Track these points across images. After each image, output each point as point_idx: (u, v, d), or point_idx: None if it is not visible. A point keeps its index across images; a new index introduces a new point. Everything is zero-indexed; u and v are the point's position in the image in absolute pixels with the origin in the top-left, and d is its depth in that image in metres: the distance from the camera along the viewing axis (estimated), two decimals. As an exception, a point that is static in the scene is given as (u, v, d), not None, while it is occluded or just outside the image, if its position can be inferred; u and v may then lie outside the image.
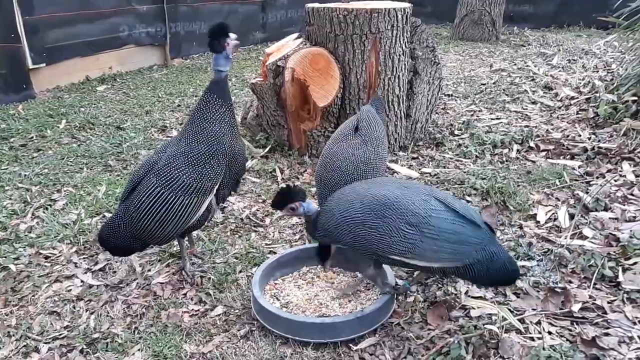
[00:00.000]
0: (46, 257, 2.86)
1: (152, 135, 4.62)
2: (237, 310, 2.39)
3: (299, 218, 2.33)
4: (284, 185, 2.23)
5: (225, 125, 2.38)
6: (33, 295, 2.56)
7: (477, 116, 4.69)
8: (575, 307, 2.23)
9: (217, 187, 2.39)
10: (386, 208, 2.04)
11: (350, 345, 2.15)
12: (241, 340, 2.21)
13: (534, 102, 4.93)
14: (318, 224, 2.23)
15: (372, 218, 2.05)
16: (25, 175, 3.82)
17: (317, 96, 3.67)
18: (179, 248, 2.68)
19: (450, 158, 3.83)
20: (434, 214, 2.02)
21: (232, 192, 2.62)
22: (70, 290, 2.59)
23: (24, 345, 2.24)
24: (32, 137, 4.60)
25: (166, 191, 2.28)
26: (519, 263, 2.58)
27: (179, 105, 5.48)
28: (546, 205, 3.08)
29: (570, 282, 2.42)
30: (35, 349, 2.23)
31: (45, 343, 2.25)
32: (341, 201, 2.17)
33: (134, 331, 2.30)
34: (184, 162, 2.31)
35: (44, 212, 3.28)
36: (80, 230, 3.06)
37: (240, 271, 2.67)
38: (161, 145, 2.50)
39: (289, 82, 3.62)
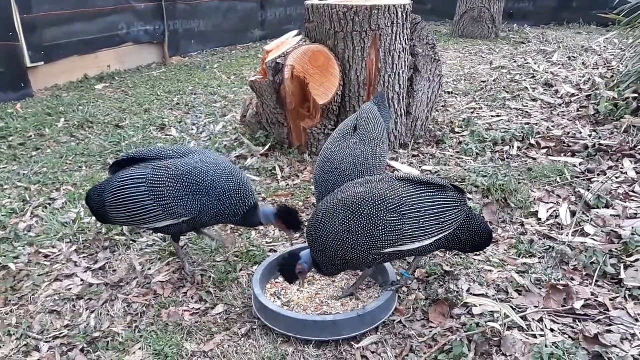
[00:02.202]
0: (46, 256, 2.85)
1: (151, 133, 4.60)
2: (238, 309, 2.38)
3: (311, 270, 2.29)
4: (279, 262, 2.23)
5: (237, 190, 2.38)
6: (33, 294, 2.55)
7: (478, 114, 4.67)
8: (578, 305, 2.22)
9: (184, 219, 2.36)
10: (362, 205, 2.04)
11: (352, 343, 2.14)
12: (242, 339, 2.20)
13: (535, 100, 4.92)
14: (317, 261, 2.19)
15: (354, 221, 2.04)
16: (24, 174, 3.81)
17: (317, 94, 3.65)
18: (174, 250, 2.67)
19: (451, 156, 3.82)
20: (405, 194, 2.06)
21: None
22: (71, 289, 2.58)
23: (25, 345, 2.23)
24: (31, 136, 4.58)
25: (146, 187, 2.29)
26: (521, 260, 2.59)
27: (177, 104, 5.47)
28: (547, 203, 3.07)
29: (572, 279, 2.42)
30: (35, 348, 2.22)
31: (46, 342, 2.24)
32: (318, 226, 2.13)
33: (134, 330, 2.29)
34: (180, 177, 2.28)
35: (43, 211, 3.27)
36: (80, 229, 3.05)
37: (241, 270, 2.66)
38: (192, 147, 2.46)
39: (288, 80, 3.61)
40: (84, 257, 2.83)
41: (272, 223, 2.45)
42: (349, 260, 2.11)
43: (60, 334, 2.29)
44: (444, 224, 2.08)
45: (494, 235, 2.80)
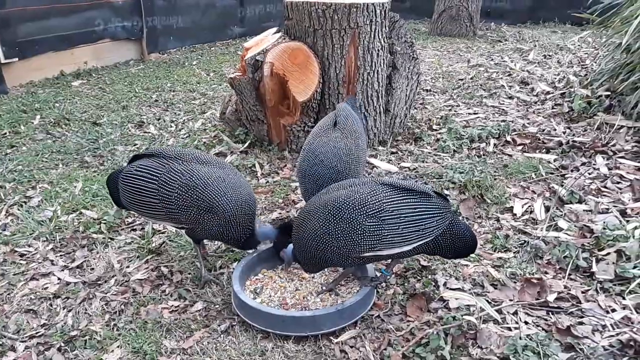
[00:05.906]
0: (22, 255, 2.81)
1: (129, 130, 4.56)
2: (217, 306, 2.38)
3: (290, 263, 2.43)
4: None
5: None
6: (9, 294, 2.51)
7: (455, 111, 4.73)
8: (551, 297, 2.27)
9: (185, 227, 2.38)
10: (342, 209, 2.05)
11: (331, 338, 2.16)
12: (222, 335, 2.20)
13: (511, 97, 5.00)
14: (297, 256, 2.26)
15: (333, 224, 2.05)
16: (-2, 171, 3.74)
17: (296, 91, 3.66)
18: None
19: (429, 152, 3.87)
20: (386, 199, 2.06)
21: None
22: (47, 288, 2.55)
23: (0, 345, 2.20)
24: (6, 133, 4.50)
25: (156, 185, 2.27)
26: (497, 255, 2.63)
27: (156, 100, 5.42)
28: (522, 198, 3.13)
29: (546, 273, 2.47)
30: (11, 348, 2.19)
31: (22, 342, 2.22)
32: (301, 226, 2.17)
33: (112, 328, 2.27)
34: (191, 188, 2.24)
35: (18, 209, 3.22)
36: (57, 227, 3.01)
37: (221, 267, 2.66)
38: (223, 164, 2.41)
39: (267, 77, 3.61)
40: (60, 255, 2.80)
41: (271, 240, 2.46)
42: (328, 260, 2.13)
43: (37, 333, 2.26)
44: (424, 232, 2.06)
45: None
